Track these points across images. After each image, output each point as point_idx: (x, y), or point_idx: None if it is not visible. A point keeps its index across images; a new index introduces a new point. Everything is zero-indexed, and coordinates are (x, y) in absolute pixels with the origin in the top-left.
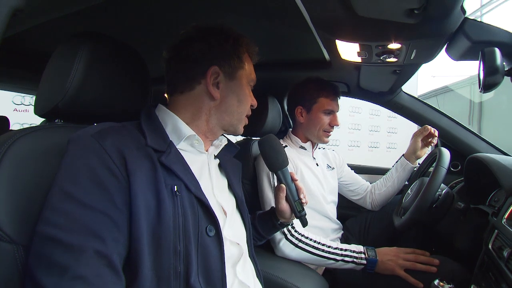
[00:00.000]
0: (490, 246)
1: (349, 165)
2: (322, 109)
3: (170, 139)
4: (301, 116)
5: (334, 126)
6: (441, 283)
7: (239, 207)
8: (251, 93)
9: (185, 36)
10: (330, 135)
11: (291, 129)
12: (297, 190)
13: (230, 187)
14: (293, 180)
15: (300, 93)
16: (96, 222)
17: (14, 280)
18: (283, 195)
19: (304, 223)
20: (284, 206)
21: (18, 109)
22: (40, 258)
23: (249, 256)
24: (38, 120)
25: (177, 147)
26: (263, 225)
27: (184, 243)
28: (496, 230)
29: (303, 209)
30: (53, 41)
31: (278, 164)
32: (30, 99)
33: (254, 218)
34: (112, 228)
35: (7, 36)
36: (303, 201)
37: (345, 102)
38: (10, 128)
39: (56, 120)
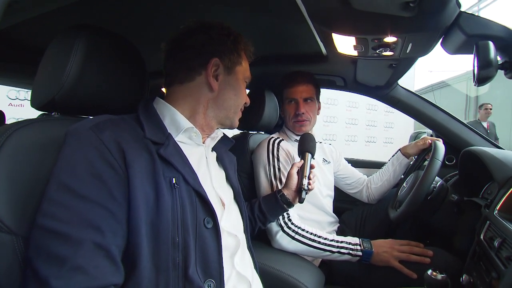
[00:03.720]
0: (482, 237)
1: (346, 159)
2: (286, 100)
3: (169, 131)
4: (281, 110)
5: (304, 114)
6: (434, 273)
7: (236, 198)
8: (245, 89)
9: (187, 29)
10: (302, 123)
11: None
12: (310, 173)
13: (228, 179)
14: (311, 167)
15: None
16: (94, 215)
17: (14, 270)
18: (298, 165)
19: (301, 197)
20: (294, 173)
21: (13, 103)
22: (40, 249)
23: (247, 247)
24: (33, 116)
25: (175, 139)
26: (266, 202)
27: (182, 235)
28: (488, 222)
29: (308, 189)
30: (48, 34)
31: (310, 149)
32: (25, 93)
33: (256, 202)
34: (110, 220)
35: (1, 29)
36: (310, 182)
37: (342, 97)
38: (6, 123)
39: (53, 113)
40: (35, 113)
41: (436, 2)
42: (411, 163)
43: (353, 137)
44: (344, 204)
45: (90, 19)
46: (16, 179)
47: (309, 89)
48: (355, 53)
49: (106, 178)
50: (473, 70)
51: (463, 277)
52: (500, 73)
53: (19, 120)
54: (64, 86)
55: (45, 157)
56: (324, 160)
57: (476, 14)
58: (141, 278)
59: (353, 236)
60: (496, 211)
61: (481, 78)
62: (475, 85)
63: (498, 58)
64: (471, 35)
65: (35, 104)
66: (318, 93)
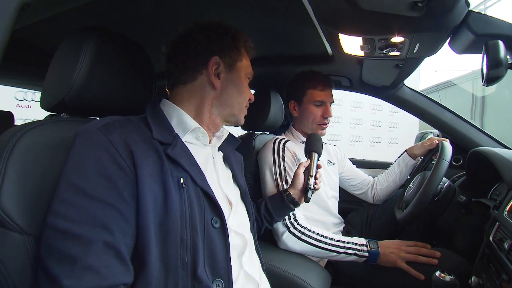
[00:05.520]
0: (491, 238)
1: (351, 159)
2: (311, 101)
3: (176, 132)
4: (294, 110)
5: (329, 118)
6: (442, 275)
7: (243, 198)
8: (248, 86)
9: (186, 30)
10: (325, 127)
11: (292, 124)
12: (316, 173)
13: (234, 178)
14: (318, 166)
15: (291, 87)
16: (104, 215)
17: (27, 270)
18: (305, 165)
19: (307, 197)
20: (301, 173)
21: (21, 104)
22: (51, 249)
23: (254, 248)
24: (40, 117)
25: (182, 139)
26: (272, 201)
27: (191, 234)
28: (497, 223)
29: (314, 188)
30: (57, 36)
31: (317, 149)
32: (32, 94)
33: (262, 201)
34: (119, 220)
35: (12, 31)
36: (317, 181)
37: (347, 97)
38: (14, 124)
39: (62, 114)
40: (42, 114)
41: (444, 2)
42: (418, 163)
43: (358, 137)
44: (350, 205)
45: (98, 21)
46: (27, 180)
47: (332, 94)
48: (361, 53)
49: (115, 179)
50: (482, 70)
51: (472, 279)
52: (508, 72)
53: (27, 121)
54: (73, 87)
55: (55, 158)
56: (329, 161)
57: (483, 13)
58: (150, 277)
59: (359, 236)
60: (506, 213)
61: (491, 78)
62: (483, 85)
63: (508, 57)
64: (480, 34)
65: (45, 105)
66: None
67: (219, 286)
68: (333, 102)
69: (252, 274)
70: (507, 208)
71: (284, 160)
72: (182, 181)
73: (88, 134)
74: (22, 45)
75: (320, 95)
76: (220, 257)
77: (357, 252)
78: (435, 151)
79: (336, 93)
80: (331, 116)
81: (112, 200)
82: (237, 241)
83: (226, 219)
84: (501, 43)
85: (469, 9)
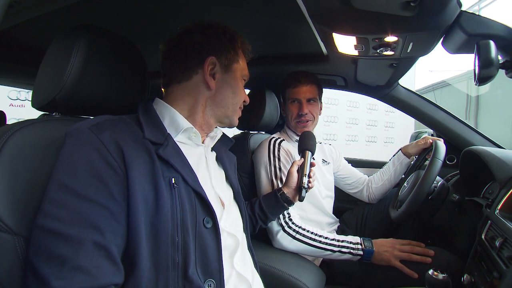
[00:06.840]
0: (483, 237)
1: (346, 159)
2: (289, 100)
3: (168, 131)
4: (283, 110)
5: (308, 115)
6: (436, 273)
7: (236, 198)
8: (243, 88)
9: (184, 29)
10: (304, 124)
11: (286, 123)
12: (310, 171)
13: (227, 178)
14: (312, 165)
15: (281, 88)
16: (94, 214)
17: (16, 270)
18: (298, 163)
19: (301, 195)
20: (294, 171)
21: (14, 104)
22: (40, 249)
23: (247, 247)
24: (34, 116)
25: (174, 139)
26: (266, 200)
27: (182, 235)
28: (489, 221)
29: (308, 187)
30: (49, 34)
31: (310, 147)
32: (25, 94)
33: (256, 200)
34: (110, 220)
35: (3, 29)
36: (310, 180)
37: (343, 97)
38: (7, 123)
39: (54, 113)
40: (36, 114)
41: (437, 2)
42: (412, 162)
43: (354, 137)
44: (345, 204)
45: (91, 19)
46: (17, 179)
47: (313, 90)
48: (355, 52)
49: (106, 178)
50: (474, 70)
51: (464, 276)
52: (501, 72)
53: (20, 120)
54: (64, 86)
55: (46, 157)
56: (324, 161)
57: (477, 14)
58: (141, 277)
59: (354, 235)
60: (498, 211)
61: (482, 77)
62: (476, 85)
63: (499, 57)
64: (472, 34)
65: (36, 104)
66: (320, 94)
67: (210, 286)
68: (311, 98)
69: (244, 274)
70: (499, 207)
71: (279, 159)
72: (173, 181)
73: (78, 133)
74: (14, 43)
75: (292, 93)
76: (211, 258)
77: (351, 251)
78: (429, 150)
79: (332, 92)
80: (305, 113)
81: (103, 200)
82: (229, 242)
83: (218, 220)
84: (492, 43)
85: (461, 9)
